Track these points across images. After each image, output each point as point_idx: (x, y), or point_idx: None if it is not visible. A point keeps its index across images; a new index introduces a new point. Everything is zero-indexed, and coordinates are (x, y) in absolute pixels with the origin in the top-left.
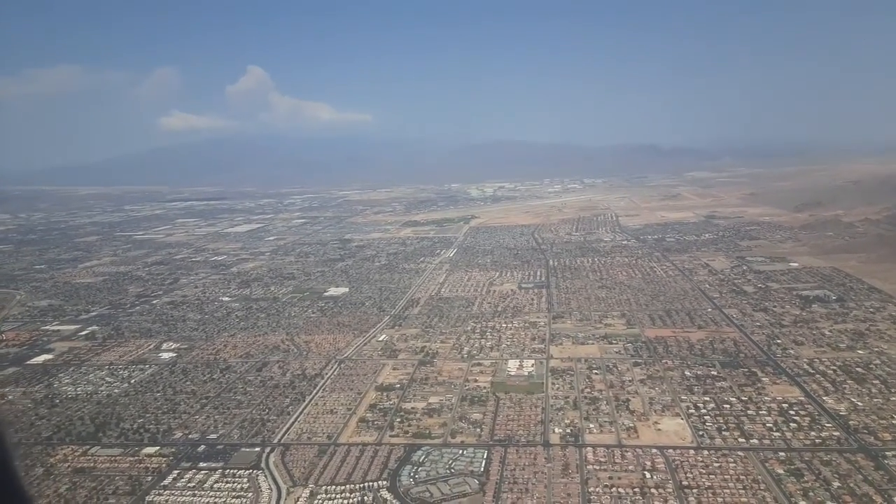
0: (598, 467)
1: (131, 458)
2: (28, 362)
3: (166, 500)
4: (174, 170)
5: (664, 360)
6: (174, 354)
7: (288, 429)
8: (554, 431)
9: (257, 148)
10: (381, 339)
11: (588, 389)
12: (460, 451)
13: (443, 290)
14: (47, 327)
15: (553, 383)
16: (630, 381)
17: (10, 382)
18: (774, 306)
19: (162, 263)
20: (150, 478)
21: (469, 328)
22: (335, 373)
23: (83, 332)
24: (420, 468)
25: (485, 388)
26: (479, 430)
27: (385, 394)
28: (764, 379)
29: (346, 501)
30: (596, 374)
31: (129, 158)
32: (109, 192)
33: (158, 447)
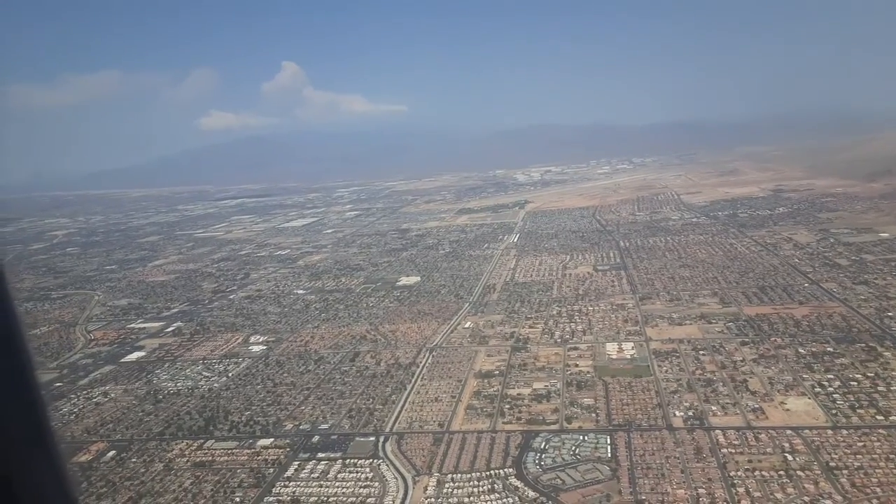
0: (732, 450)
1: (248, 451)
2: (122, 360)
3: (293, 492)
4: (216, 169)
5: (773, 339)
6: (264, 347)
7: (397, 418)
8: (675, 415)
9: (295, 143)
10: (466, 326)
11: (699, 371)
12: (581, 437)
13: (516, 275)
14: (132, 325)
15: (660, 366)
16: (741, 360)
17: (109, 380)
18: (875, 279)
19: (228, 259)
20: (271, 470)
21: (555, 312)
22: (429, 361)
23: (169, 329)
24: (544, 455)
25: (588, 372)
26: (594, 415)
27: (486, 381)
28: (886, 353)
29: (475, 489)
30: (703, 354)
31: (172, 159)
32: (159, 193)
33: (273, 439)
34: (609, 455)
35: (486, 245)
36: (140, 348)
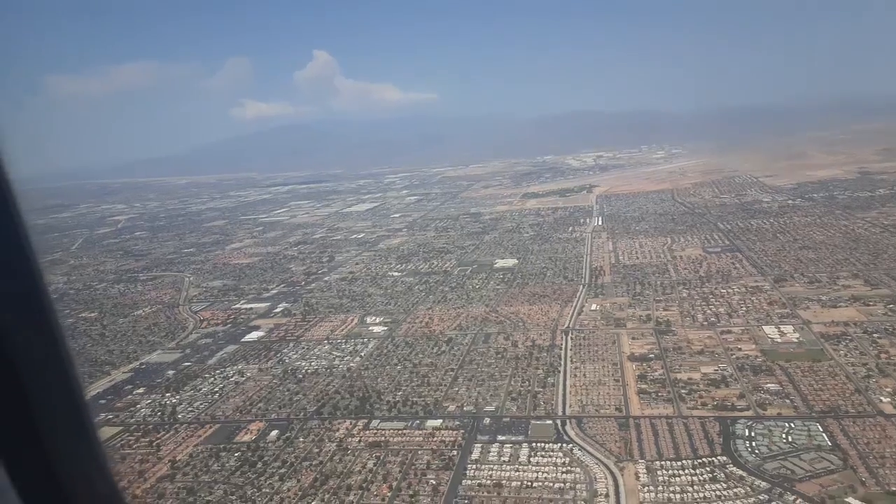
0: None
1: (420, 432)
2: (243, 340)
3: (489, 475)
4: (255, 157)
5: None
6: (384, 328)
7: (565, 401)
8: (881, 401)
9: (330, 132)
10: (593, 308)
11: (884, 355)
12: (787, 424)
13: (619, 257)
14: (238, 306)
15: (835, 349)
16: None
17: (238, 360)
18: None
19: (305, 243)
20: (454, 452)
21: (684, 295)
22: (570, 344)
23: (277, 310)
24: (753, 442)
25: (756, 356)
26: (788, 401)
27: (644, 364)
28: None
29: (693, 478)
30: (879, 338)
31: (209, 148)
32: (206, 180)
33: (441, 420)
34: (829, 443)
35: (570, 228)
36: (256, 328)
